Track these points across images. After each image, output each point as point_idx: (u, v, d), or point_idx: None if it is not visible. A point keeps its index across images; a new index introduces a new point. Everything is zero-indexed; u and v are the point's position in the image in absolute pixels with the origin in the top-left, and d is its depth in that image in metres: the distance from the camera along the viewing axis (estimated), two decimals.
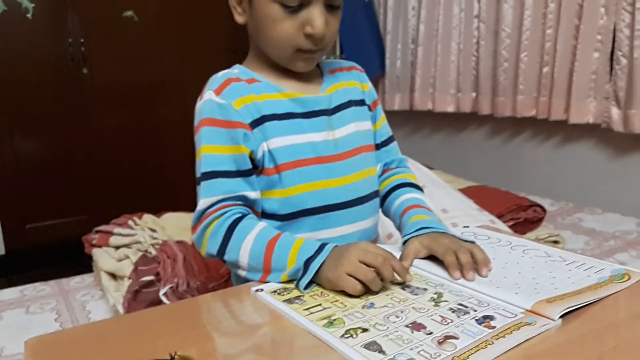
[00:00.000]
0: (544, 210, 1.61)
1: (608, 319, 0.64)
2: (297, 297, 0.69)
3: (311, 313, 0.64)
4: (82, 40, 2.57)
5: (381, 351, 0.55)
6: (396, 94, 2.95)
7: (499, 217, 1.50)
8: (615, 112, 2.05)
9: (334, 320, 0.62)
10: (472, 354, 0.54)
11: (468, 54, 2.61)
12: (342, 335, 0.59)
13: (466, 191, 1.66)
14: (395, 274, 0.70)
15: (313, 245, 0.74)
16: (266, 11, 0.80)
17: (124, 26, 2.66)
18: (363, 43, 2.89)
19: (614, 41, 2.03)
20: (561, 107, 2.26)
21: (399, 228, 0.90)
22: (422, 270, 0.76)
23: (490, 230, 0.92)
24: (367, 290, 0.68)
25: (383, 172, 0.99)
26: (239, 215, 0.79)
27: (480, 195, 1.61)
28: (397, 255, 0.78)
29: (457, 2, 2.61)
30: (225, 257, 0.79)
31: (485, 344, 0.56)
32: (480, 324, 0.60)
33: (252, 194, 0.81)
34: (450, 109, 2.73)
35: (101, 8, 2.60)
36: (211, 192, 0.80)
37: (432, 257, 0.78)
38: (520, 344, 0.56)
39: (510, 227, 1.49)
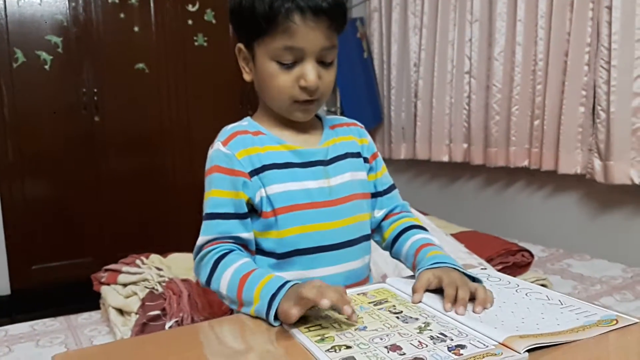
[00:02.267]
0: (531, 255, 1.68)
1: (582, 358, 0.66)
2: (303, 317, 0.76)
3: (309, 330, 0.72)
4: (95, 89, 2.72)
5: None
6: (402, 144, 3.10)
7: (489, 261, 1.57)
8: (597, 164, 2.16)
9: (326, 337, 0.70)
10: None
11: (459, 107, 2.75)
12: (327, 350, 0.67)
13: (458, 236, 1.74)
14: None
15: (276, 282, 0.79)
16: (266, 68, 0.90)
17: (135, 77, 2.82)
18: (360, 96, 3.04)
19: (594, 96, 2.17)
20: (551, 158, 2.36)
21: (414, 266, 0.94)
22: (422, 304, 0.82)
23: (504, 275, 0.97)
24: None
25: (387, 216, 1.05)
26: (227, 250, 0.88)
27: (471, 240, 1.69)
28: (409, 287, 0.85)
29: (450, 59, 2.77)
30: (212, 287, 0.88)
31: None
32: (450, 350, 0.66)
33: (245, 235, 0.91)
34: (445, 158, 2.86)
35: (114, 60, 2.76)
36: (209, 231, 0.90)
37: (439, 291, 0.83)
38: None
39: (499, 270, 1.56)
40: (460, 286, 0.80)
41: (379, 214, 1.05)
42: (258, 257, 0.94)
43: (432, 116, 2.87)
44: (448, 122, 2.83)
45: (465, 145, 2.78)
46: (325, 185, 0.94)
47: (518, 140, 2.50)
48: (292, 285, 0.78)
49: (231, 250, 0.89)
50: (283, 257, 0.92)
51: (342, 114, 3.12)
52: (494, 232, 2.07)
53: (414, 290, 0.84)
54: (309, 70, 0.88)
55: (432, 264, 0.88)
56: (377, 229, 1.06)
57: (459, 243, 1.61)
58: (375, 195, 1.05)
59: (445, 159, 2.86)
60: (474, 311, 0.78)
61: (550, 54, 2.30)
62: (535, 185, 2.59)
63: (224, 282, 0.85)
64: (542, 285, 1.53)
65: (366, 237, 1.01)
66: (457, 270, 0.87)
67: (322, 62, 0.90)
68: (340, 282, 0.91)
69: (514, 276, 1.59)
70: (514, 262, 1.62)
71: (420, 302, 0.82)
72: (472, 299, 0.80)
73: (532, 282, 1.55)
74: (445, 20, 2.77)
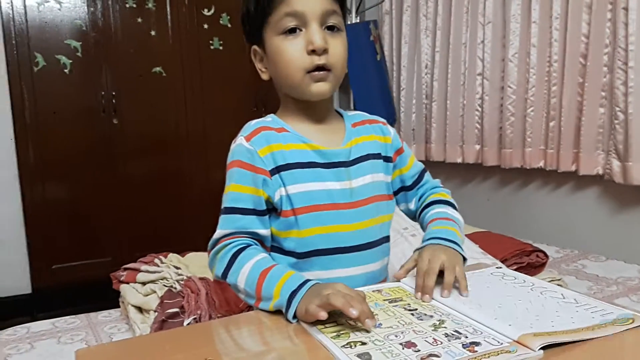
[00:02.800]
0: (546, 255, 1.68)
1: (599, 357, 0.66)
2: None
3: (325, 327, 0.74)
4: (113, 93, 2.76)
5: None
6: (412, 145, 3.11)
7: (503, 261, 1.58)
8: (616, 165, 2.15)
9: (342, 333, 0.72)
10: None
11: (472, 109, 2.76)
12: (343, 346, 0.68)
13: (472, 236, 1.74)
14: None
15: (297, 280, 0.81)
16: (275, 47, 0.92)
17: (153, 81, 2.86)
18: (374, 98, 3.05)
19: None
20: (569, 159, 2.37)
21: None
22: (435, 301, 0.83)
23: (519, 273, 0.98)
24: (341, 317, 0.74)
25: (420, 197, 1.08)
26: (245, 245, 0.89)
27: (485, 240, 1.70)
28: None
29: (463, 61, 2.78)
30: (228, 280, 0.89)
31: None
32: (465, 347, 0.67)
33: (263, 231, 0.92)
34: (459, 160, 2.87)
35: (132, 64, 2.81)
36: (227, 225, 0.91)
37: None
38: None
39: (514, 271, 1.57)
40: (427, 272, 0.85)
41: (413, 205, 1.07)
42: (278, 255, 0.95)
43: (447, 118, 2.89)
44: (461, 123, 2.83)
45: (477, 147, 2.78)
46: (347, 186, 0.95)
47: (533, 141, 2.50)
48: (312, 285, 0.79)
49: (249, 245, 0.90)
50: (302, 257, 0.93)
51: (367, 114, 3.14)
52: (508, 233, 2.07)
53: (400, 268, 0.92)
54: (314, 32, 0.89)
55: (425, 239, 0.94)
56: (414, 217, 1.09)
57: (473, 243, 1.62)
58: (405, 189, 1.06)
59: (459, 160, 2.87)
60: (441, 295, 0.83)
61: (566, 55, 2.30)
62: (550, 187, 2.58)
63: (242, 276, 0.86)
64: (558, 285, 1.54)
65: (386, 239, 1.02)
66: (447, 247, 0.91)
67: (328, 29, 0.91)
68: (359, 283, 0.91)
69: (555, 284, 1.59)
70: (528, 262, 1.63)
71: (402, 278, 0.91)
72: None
73: (547, 282, 1.55)
74: (459, 22, 2.78)
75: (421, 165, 1.09)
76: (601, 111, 2.23)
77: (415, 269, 0.89)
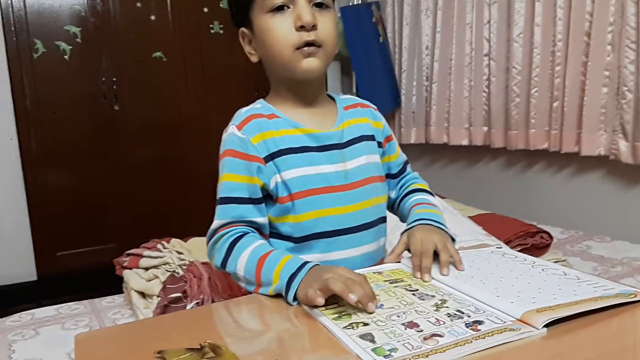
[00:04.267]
0: (550, 236, 1.67)
1: (602, 333, 0.66)
2: None
3: (326, 308, 0.73)
4: (114, 79, 2.74)
5: (372, 341, 0.63)
6: (412, 128, 3.08)
7: (507, 242, 1.57)
8: (623, 145, 2.13)
9: (344, 315, 0.71)
10: (449, 348, 0.61)
11: (479, 90, 2.72)
12: (345, 327, 0.67)
13: (476, 218, 1.73)
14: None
15: (295, 263, 0.81)
16: (263, 25, 0.91)
17: (153, 66, 2.84)
18: (377, 80, 3.02)
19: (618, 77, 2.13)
20: (572, 139, 2.34)
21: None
22: (436, 281, 0.83)
23: (520, 253, 0.97)
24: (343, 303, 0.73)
25: (400, 187, 1.09)
26: (242, 233, 0.89)
27: (490, 222, 1.69)
28: None
29: (468, 42, 2.74)
30: (227, 269, 0.88)
31: (465, 342, 0.62)
32: (468, 327, 0.66)
33: (260, 219, 0.91)
34: (465, 142, 2.84)
35: (132, 49, 2.78)
36: (224, 215, 0.90)
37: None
38: (499, 345, 0.61)
39: (518, 252, 1.56)
40: (423, 253, 0.86)
41: (393, 194, 1.08)
42: (275, 240, 0.94)
43: (451, 100, 2.85)
44: (467, 105, 2.79)
45: (485, 129, 2.75)
46: (342, 169, 0.95)
47: (538, 122, 2.47)
48: (311, 267, 0.79)
49: (246, 233, 0.89)
50: (300, 241, 0.93)
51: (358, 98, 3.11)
52: (513, 215, 2.06)
53: (391, 252, 0.92)
54: (302, 8, 0.88)
55: (414, 221, 0.95)
56: (391, 207, 1.09)
57: (477, 225, 1.61)
58: (390, 176, 1.07)
59: (465, 142, 2.83)
60: (441, 274, 0.83)
61: (570, 34, 2.26)
62: (555, 168, 2.56)
63: (240, 263, 0.86)
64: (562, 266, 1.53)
65: (382, 220, 1.02)
66: (438, 228, 0.93)
67: (316, 6, 0.90)
68: (357, 264, 0.92)
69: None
70: (532, 243, 1.61)
71: (394, 262, 0.91)
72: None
73: (552, 262, 1.55)
74: (462, 2, 2.74)
75: (405, 156, 1.10)
76: (604, 91, 2.20)
77: (411, 250, 0.89)
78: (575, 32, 2.25)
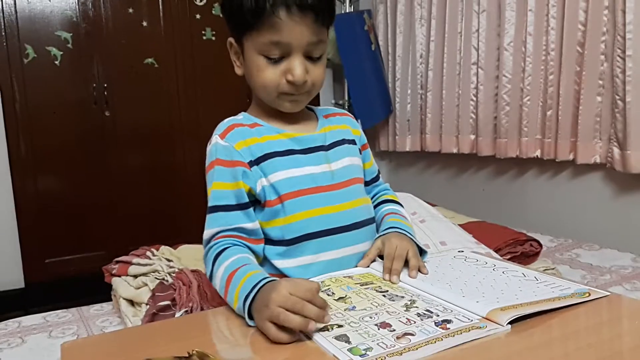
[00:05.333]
0: (540, 244, 1.68)
1: (561, 330, 0.71)
2: None
3: None
4: (105, 85, 2.73)
5: (347, 341, 0.66)
6: (407, 136, 3.09)
7: (497, 250, 1.57)
8: (617, 153, 2.16)
9: None
10: (422, 346, 0.64)
11: (467, 99, 2.74)
12: (320, 330, 0.70)
13: (466, 226, 1.73)
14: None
15: (251, 281, 0.77)
16: (254, 62, 0.92)
17: (145, 72, 2.83)
18: (369, 88, 3.03)
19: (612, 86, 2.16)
20: (567, 148, 2.36)
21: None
22: (404, 283, 0.87)
23: (481, 255, 1.01)
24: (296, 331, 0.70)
25: (373, 196, 1.12)
26: (226, 246, 0.89)
27: (479, 230, 1.69)
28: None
29: (458, 50, 2.76)
30: (213, 283, 0.89)
31: (436, 340, 0.66)
32: (437, 325, 0.70)
33: (249, 225, 0.92)
34: (455, 150, 2.85)
35: (124, 55, 2.77)
36: (213, 224, 0.91)
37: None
38: (467, 342, 0.66)
39: (508, 260, 1.56)
40: (395, 257, 0.90)
41: None
42: (266, 247, 0.94)
43: (443, 108, 2.87)
44: (457, 113, 2.82)
45: (472, 137, 2.77)
46: (327, 169, 0.97)
47: (530, 130, 2.49)
48: (260, 287, 0.76)
49: (229, 246, 0.89)
50: (292, 243, 0.93)
51: (350, 106, 3.12)
52: (503, 223, 2.07)
53: (364, 257, 0.96)
54: (296, 65, 0.89)
55: (384, 229, 0.99)
56: None
57: (467, 233, 1.61)
58: (364, 184, 1.09)
59: (455, 150, 2.86)
60: (409, 276, 0.88)
61: (563, 43, 2.29)
62: (545, 176, 2.57)
63: (216, 279, 0.86)
64: (551, 275, 1.54)
65: (373, 220, 1.04)
66: (407, 235, 0.97)
67: (309, 57, 0.91)
68: (351, 264, 0.95)
69: (523, 265, 1.59)
70: (522, 251, 1.62)
71: (366, 266, 0.95)
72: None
73: (541, 271, 1.55)
74: (454, 11, 2.76)
75: (377, 167, 1.14)
76: (599, 100, 2.22)
77: (385, 253, 0.93)
78: (568, 42, 2.27)
